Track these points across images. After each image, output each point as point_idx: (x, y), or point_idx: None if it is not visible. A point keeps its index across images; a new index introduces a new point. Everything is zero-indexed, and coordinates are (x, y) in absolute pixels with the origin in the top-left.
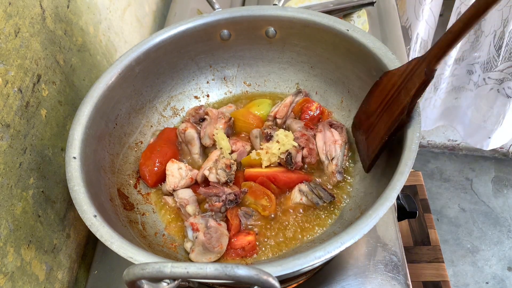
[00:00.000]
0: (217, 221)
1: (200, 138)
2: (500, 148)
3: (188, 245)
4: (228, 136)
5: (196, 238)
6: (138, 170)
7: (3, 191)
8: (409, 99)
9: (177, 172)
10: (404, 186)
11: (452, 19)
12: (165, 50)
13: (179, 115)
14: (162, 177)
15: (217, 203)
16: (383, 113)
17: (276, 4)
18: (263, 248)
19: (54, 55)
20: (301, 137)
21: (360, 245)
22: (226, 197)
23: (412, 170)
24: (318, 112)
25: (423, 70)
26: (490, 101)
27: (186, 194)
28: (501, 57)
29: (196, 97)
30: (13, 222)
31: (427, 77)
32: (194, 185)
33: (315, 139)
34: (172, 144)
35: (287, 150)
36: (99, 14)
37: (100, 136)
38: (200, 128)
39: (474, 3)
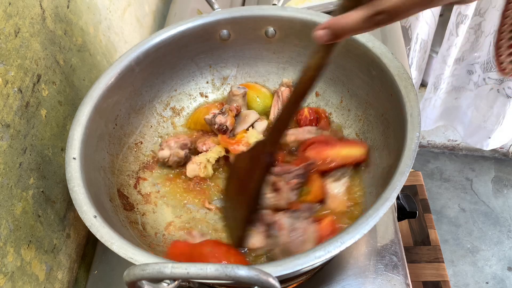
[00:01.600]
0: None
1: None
2: (500, 148)
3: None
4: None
5: (277, 237)
6: (138, 170)
7: (3, 191)
8: (253, 186)
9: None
10: (404, 186)
11: (452, 19)
12: (165, 50)
13: (179, 115)
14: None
15: (293, 180)
16: (240, 200)
17: (275, 4)
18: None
19: (54, 55)
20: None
21: (360, 245)
22: (295, 173)
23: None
24: (312, 116)
25: (263, 155)
26: (490, 101)
27: None
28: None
29: (195, 97)
30: (13, 222)
31: (268, 162)
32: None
33: None
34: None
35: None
36: (99, 14)
37: (100, 136)
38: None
39: (291, 94)
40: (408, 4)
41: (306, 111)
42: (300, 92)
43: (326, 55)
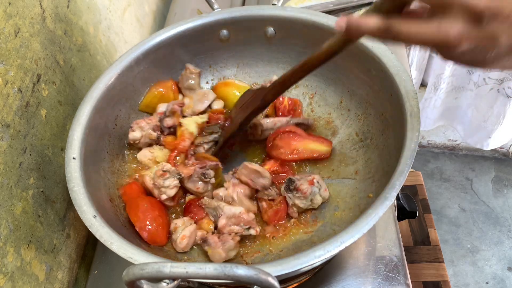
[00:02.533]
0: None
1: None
2: (500, 148)
3: None
4: None
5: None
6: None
7: (3, 191)
8: (243, 115)
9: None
10: (404, 186)
11: None
12: (165, 50)
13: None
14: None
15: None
16: (234, 120)
17: (275, 4)
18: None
19: (54, 55)
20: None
21: (360, 245)
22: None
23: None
24: (291, 107)
25: (259, 99)
26: (490, 101)
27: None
28: None
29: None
30: (13, 222)
31: (260, 105)
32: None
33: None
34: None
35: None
36: (99, 14)
37: (100, 136)
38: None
39: (304, 63)
40: (420, 38)
41: (286, 101)
42: (310, 64)
43: (341, 45)
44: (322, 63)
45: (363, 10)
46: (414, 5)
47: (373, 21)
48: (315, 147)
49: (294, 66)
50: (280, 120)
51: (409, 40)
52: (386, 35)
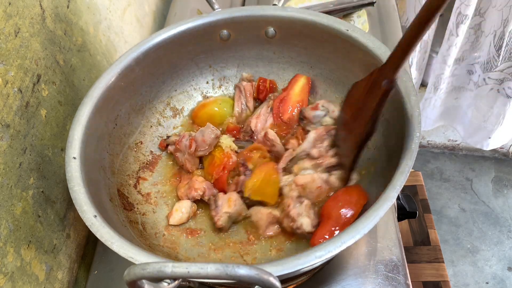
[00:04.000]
0: None
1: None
2: (500, 148)
3: None
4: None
5: None
6: (138, 170)
7: (3, 191)
8: (370, 112)
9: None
10: (404, 186)
11: (452, 19)
12: (165, 50)
13: (179, 115)
14: None
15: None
16: (354, 125)
17: (275, 4)
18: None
19: (54, 55)
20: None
21: (360, 245)
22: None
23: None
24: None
25: (381, 82)
26: (490, 101)
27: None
28: (501, 57)
29: (195, 97)
30: (13, 222)
31: (387, 88)
32: None
33: None
34: None
35: None
36: (99, 14)
37: (100, 136)
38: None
39: (423, 7)
40: None
41: (268, 83)
42: (431, 10)
43: None
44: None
45: (362, 10)
46: None
47: None
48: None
49: (410, 23)
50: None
51: None
52: None
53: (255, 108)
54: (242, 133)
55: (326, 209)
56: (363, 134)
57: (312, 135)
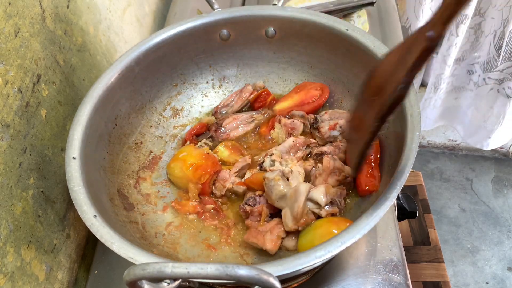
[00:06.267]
0: None
1: None
2: (500, 148)
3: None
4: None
5: None
6: (138, 170)
7: (3, 191)
8: (404, 72)
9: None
10: (404, 186)
11: None
12: (165, 50)
13: (179, 115)
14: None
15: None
16: (376, 99)
17: (275, 4)
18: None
19: (54, 55)
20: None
21: (360, 245)
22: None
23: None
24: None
25: (424, 36)
26: (490, 101)
27: None
28: (501, 57)
29: (195, 97)
30: (13, 222)
31: (430, 43)
32: None
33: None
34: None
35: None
36: (99, 14)
37: (100, 136)
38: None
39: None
40: None
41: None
42: None
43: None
44: None
45: (362, 10)
46: None
47: None
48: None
49: None
50: None
51: None
52: None
53: (239, 111)
54: (213, 126)
55: None
56: (387, 101)
57: (290, 142)
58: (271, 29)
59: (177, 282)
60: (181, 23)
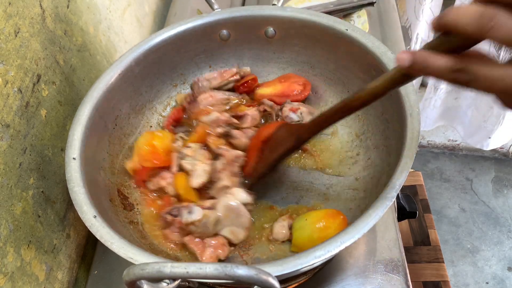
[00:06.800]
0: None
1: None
2: (500, 148)
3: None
4: None
5: None
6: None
7: (3, 191)
8: (275, 155)
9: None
10: (404, 186)
11: None
12: (165, 50)
13: None
14: None
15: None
16: (263, 154)
17: (275, 4)
18: None
19: (54, 55)
20: None
21: (360, 245)
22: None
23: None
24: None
25: (294, 138)
26: (490, 101)
27: None
28: (501, 57)
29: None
30: (13, 222)
31: (296, 144)
32: None
33: None
34: None
35: None
36: (99, 14)
37: (100, 136)
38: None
39: (342, 104)
40: (503, 86)
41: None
42: (353, 106)
43: (389, 86)
44: (368, 103)
45: (362, 10)
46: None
47: (444, 60)
48: None
49: (333, 106)
50: None
51: (488, 88)
52: (458, 78)
53: (217, 89)
54: (189, 97)
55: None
56: (264, 170)
57: (213, 116)
58: (271, 29)
59: (176, 282)
60: (181, 23)
